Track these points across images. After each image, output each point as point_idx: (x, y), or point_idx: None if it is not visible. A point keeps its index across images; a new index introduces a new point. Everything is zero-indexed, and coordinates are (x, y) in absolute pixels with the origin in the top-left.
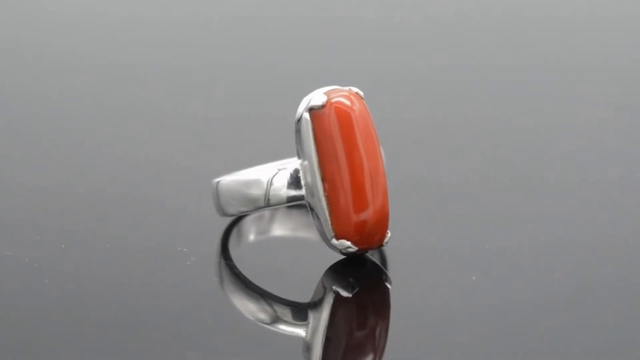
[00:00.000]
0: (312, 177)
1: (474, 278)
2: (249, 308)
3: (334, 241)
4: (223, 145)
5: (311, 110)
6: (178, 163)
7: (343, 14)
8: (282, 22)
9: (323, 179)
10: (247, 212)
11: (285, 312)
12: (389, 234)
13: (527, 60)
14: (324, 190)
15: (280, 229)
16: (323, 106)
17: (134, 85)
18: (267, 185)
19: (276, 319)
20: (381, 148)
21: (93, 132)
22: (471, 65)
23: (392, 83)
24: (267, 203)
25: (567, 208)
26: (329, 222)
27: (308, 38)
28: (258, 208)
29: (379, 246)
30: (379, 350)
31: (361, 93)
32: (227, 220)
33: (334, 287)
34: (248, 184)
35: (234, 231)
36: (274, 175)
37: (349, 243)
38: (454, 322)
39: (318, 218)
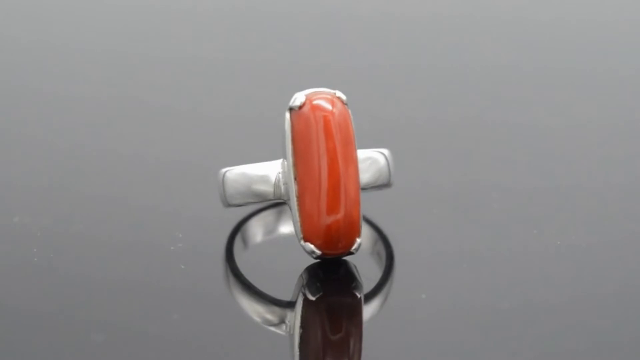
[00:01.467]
0: (288, 177)
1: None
2: (244, 306)
3: (302, 243)
4: (225, 145)
5: (291, 110)
6: (179, 162)
7: (348, 14)
8: (289, 22)
9: (296, 180)
10: (252, 203)
11: (271, 311)
12: (357, 242)
13: (532, 60)
14: (296, 191)
15: (286, 227)
16: (301, 107)
17: (132, 83)
18: (275, 181)
19: (265, 318)
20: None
21: (91, 130)
22: (476, 66)
23: (396, 83)
24: (275, 197)
25: (568, 210)
26: (299, 224)
27: (313, 37)
28: (264, 201)
29: (347, 253)
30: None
31: (344, 97)
32: (232, 222)
33: (302, 289)
34: (255, 179)
35: (239, 235)
36: (281, 171)
37: (312, 246)
38: (450, 325)
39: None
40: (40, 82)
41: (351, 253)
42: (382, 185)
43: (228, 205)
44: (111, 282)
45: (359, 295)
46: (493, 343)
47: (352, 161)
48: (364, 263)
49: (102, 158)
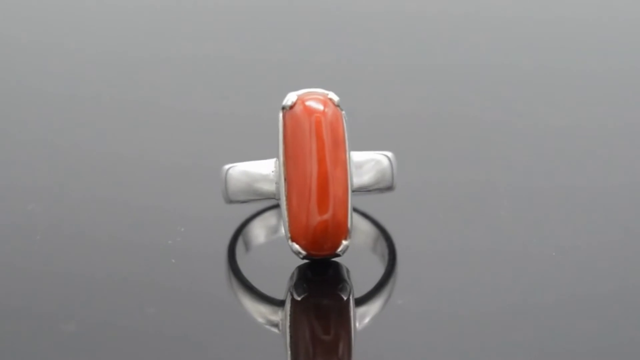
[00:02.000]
0: (279, 177)
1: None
2: (241, 304)
3: (289, 243)
4: (226, 145)
5: (284, 109)
6: (181, 161)
7: (351, 15)
8: (292, 22)
9: (285, 179)
10: (254, 200)
11: (266, 310)
12: (344, 244)
13: (536, 60)
14: (285, 190)
15: None
16: (292, 106)
17: (129, 81)
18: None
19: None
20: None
21: (89, 130)
22: (484, 65)
23: (398, 83)
24: (277, 197)
25: (570, 210)
26: (287, 224)
27: (316, 37)
28: (266, 199)
29: (334, 255)
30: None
31: (336, 99)
32: (233, 222)
33: (290, 289)
34: (257, 177)
35: (241, 238)
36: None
37: (298, 247)
38: (450, 326)
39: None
40: (40, 82)
41: (337, 255)
42: (385, 188)
43: (230, 201)
44: (106, 278)
45: (344, 298)
46: (493, 344)
47: (341, 163)
48: (364, 263)
49: (101, 158)
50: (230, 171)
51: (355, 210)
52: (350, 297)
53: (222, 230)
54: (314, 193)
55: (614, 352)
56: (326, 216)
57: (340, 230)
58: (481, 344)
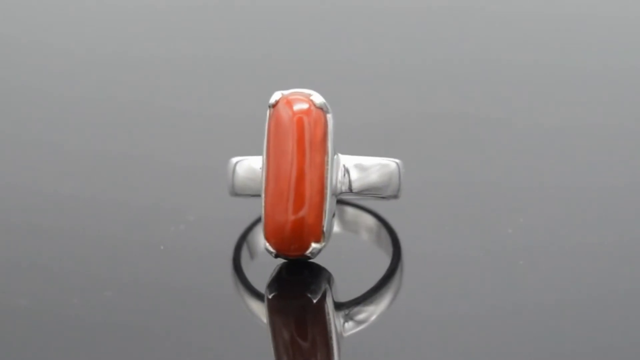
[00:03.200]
0: (262, 174)
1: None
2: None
3: (263, 240)
4: (227, 143)
5: (269, 107)
6: (185, 161)
7: (357, 16)
8: (296, 20)
9: (265, 177)
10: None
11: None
12: (313, 246)
13: (547, 58)
14: (264, 188)
15: None
16: (275, 105)
17: (129, 81)
18: None
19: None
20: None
21: (88, 131)
22: (486, 64)
23: (406, 79)
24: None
25: (571, 211)
26: (263, 221)
27: (319, 37)
28: None
29: (303, 257)
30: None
31: (318, 101)
32: (235, 223)
33: (267, 287)
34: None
35: (245, 245)
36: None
37: (268, 245)
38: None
39: None
40: (40, 82)
41: (307, 257)
42: (390, 195)
43: (235, 194)
44: (105, 277)
45: (313, 300)
46: (493, 345)
47: (317, 165)
48: (365, 263)
49: (101, 158)
50: (237, 167)
51: (360, 209)
52: (327, 300)
53: (221, 229)
54: (288, 193)
55: (614, 353)
56: (297, 217)
57: (311, 232)
58: (481, 345)
